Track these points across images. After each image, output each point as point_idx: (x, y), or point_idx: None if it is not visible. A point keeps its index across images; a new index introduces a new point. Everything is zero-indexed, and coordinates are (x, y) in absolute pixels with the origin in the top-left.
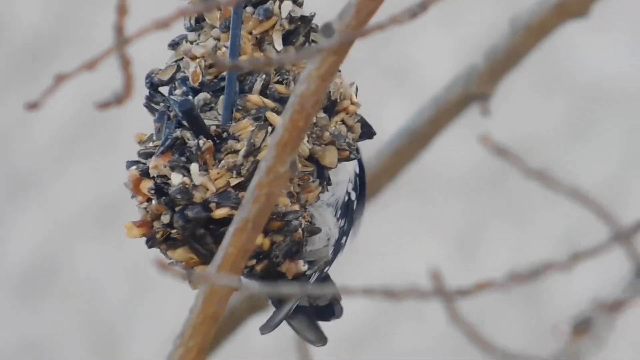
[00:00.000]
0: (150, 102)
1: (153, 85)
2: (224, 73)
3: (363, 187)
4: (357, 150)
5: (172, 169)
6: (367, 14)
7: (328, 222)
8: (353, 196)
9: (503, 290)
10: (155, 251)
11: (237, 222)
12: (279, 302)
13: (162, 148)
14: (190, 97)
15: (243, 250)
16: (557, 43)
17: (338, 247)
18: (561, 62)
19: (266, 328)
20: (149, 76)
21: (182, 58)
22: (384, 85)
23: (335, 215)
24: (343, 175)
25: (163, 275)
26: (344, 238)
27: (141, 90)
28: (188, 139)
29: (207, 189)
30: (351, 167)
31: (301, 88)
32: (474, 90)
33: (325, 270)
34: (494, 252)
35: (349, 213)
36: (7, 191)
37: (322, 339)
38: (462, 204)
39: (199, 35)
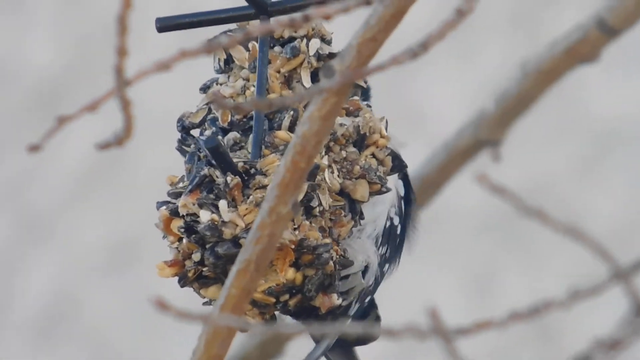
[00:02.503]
0: (182, 145)
1: (184, 129)
2: (252, 112)
3: (409, 206)
4: (407, 175)
5: (201, 206)
6: (368, 55)
7: (366, 251)
8: (396, 221)
9: (502, 330)
10: (162, 291)
11: (240, 263)
12: (318, 336)
13: (190, 186)
14: (216, 135)
15: (246, 292)
16: (570, 84)
17: (381, 275)
18: (574, 104)
19: None
20: (180, 120)
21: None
22: (395, 129)
23: (376, 244)
24: (382, 204)
25: (164, 315)
26: (386, 266)
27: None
28: (216, 177)
29: (237, 225)
30: (393, 191)
31: (303, 129)
32: (484, 136)
33: (366, 301)
34: (509, 290)
35: (391, 239)
36: (21, 233)
37: None
38: (477, 243)
39: (228, 77)
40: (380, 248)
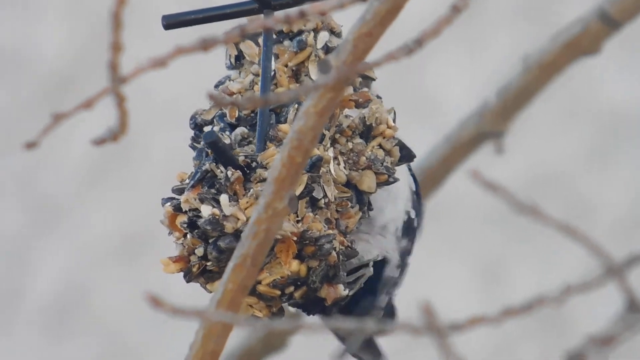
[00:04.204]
0: (194, 143)
1: (197, 126)
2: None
3: (419, 200)
4: (410, 169)
5: (202, 201)
6: (364, 50)
7: (385, 247)
8: (413, 214)
9: (496, 325)
10: (172, 281)
11: (236, 258)
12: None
13: (192, 182)
14: (217, 130)
15: (242, 287)
16: (579, 74)
17: (403, 266)
18: (583, 93)
19: (342, 357)
20: (193, 117)
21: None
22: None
23: (397, 237)
24: (401, 196)
25: (158, 311)
26: (408, 257)
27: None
28: (218, 172)
29: (238, 219)
30: (407, 186)
31: (299, 124)
32: (487, 128)
33: (394, 293)
34: (519, 281)
35: (410, 232)
36: (32, 223)
37: (377, 357)
38: (487, 234)
39: (239, 72)
40: (402, 242)
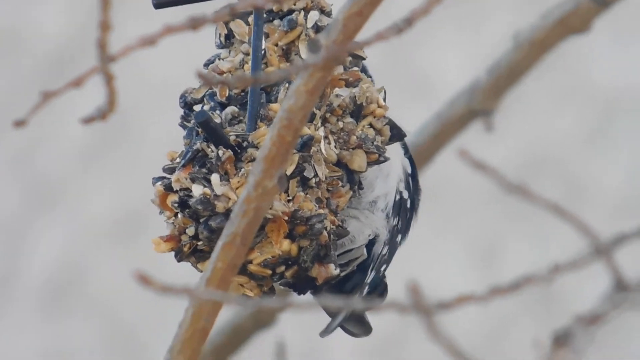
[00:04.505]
0: (184, 122)
1: (187, 105)
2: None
3: (416, 184)
4: (408, 151)
5: (193, 180)
6: (354, 29)
7: (375, 224)
8: (405, 195)
9: (483, 304)
10: (168, 260)
11: (226, 237)
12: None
13: (183, 161)
14: (208, 109)
15: (231, 265)
16: (573, 53)
17: (393, 246)
18: (578, 73)
19: (325, 333)
20: (182, 96)
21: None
22: (401, 97)
23: (387, 215)
24: (393, 174)
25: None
26: (399, 236)
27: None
28: (209, 151)
29: (229, 198)
30: (400, 165)
31: (289, 103)
32: (477, 106)
33: (383, 271)
34: (515, 259)
35: (402, 211)
36: (29, 202)
37: (367, 330)
38: (483, 212)
39: (229, 51)
40: (392, 220)
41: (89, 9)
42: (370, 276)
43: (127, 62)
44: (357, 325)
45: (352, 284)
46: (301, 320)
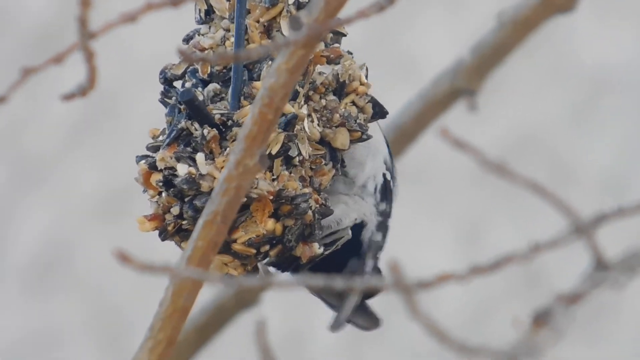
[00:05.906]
0: (164, 98)
1: (167, 81)
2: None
3: (392, 163)
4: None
5: (178, 159)
6: (336, 7)
7: (362, 210)
8: (388, 176)
9: (463, 283)
10: (155, 238)
11: (206, 215)
12: (335, 299)
13: (168, 140)
14: (191, 87)
15: (212, 244)
16: (561, 32)
17: (385, 229)
18: (565, 52)
19: (336, 327)
20: (162, 72)
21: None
22: (387, 76)
23: (376, 200)
24: (380, 151)
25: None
26: (389, 220)
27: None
28: (194, 130)
29: (214, 178)
30: (385, 145)
31: (270, 81)
32: (461, 86)
33: (378, 256)
34: (501, 238)
35: (388, 194)
36: (15, 180)
37: (375, 323)
38: (466, 192)
39: (209, 27)
40: (381, 204)
41: None
42: (369, 265)
43: (113, 40)
44: (365, 318)
45: (349, 271)
46: (284, 301)
